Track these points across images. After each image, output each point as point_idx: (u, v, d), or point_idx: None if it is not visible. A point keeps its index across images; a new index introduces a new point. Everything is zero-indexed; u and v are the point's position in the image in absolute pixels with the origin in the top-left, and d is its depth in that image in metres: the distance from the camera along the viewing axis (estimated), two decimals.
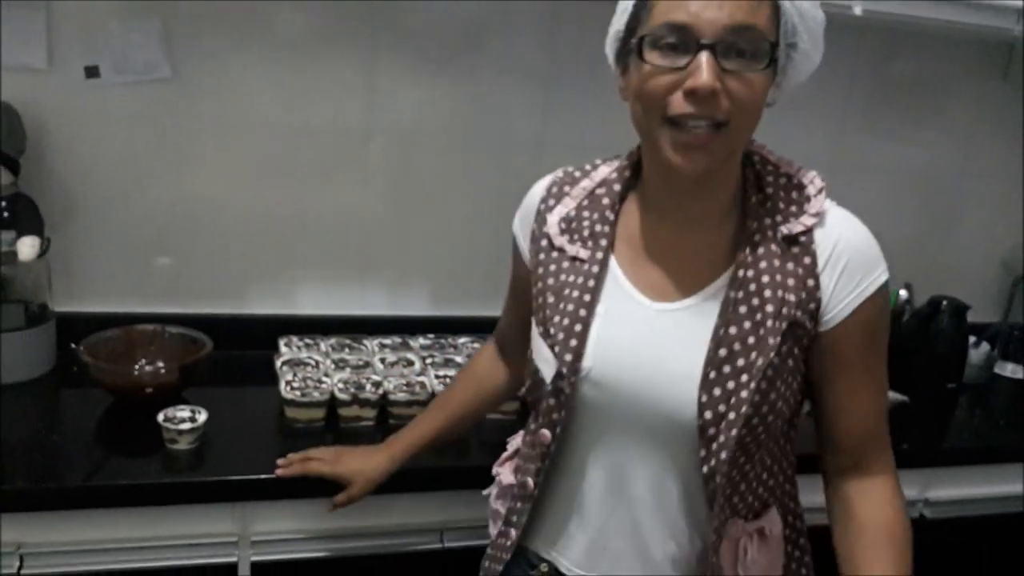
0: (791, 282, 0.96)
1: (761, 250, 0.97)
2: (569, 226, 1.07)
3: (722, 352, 0.95)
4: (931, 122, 2.24)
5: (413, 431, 1.35)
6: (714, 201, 1.00)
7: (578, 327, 1.01)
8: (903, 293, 2.19)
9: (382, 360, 1.70)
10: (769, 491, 1.08)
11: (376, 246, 1.91)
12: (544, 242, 1.09)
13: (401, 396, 1.55)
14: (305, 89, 1.76)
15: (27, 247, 1.54)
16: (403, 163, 1.87)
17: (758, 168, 1.02)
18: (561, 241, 1.07)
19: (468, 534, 1.48)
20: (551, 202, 1.10)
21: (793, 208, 0.99)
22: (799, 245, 0.97)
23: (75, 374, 1.54)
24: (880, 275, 0.98)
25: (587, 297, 1.02)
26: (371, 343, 1.79)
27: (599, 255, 1.04)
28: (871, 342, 1.00)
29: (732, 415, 0.94)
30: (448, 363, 1.72)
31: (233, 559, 1.37)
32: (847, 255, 0.97)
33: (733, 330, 0.95)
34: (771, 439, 1.02)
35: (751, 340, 0.95)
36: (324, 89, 1.77)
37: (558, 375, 1.02)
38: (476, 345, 1.84)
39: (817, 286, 0.96)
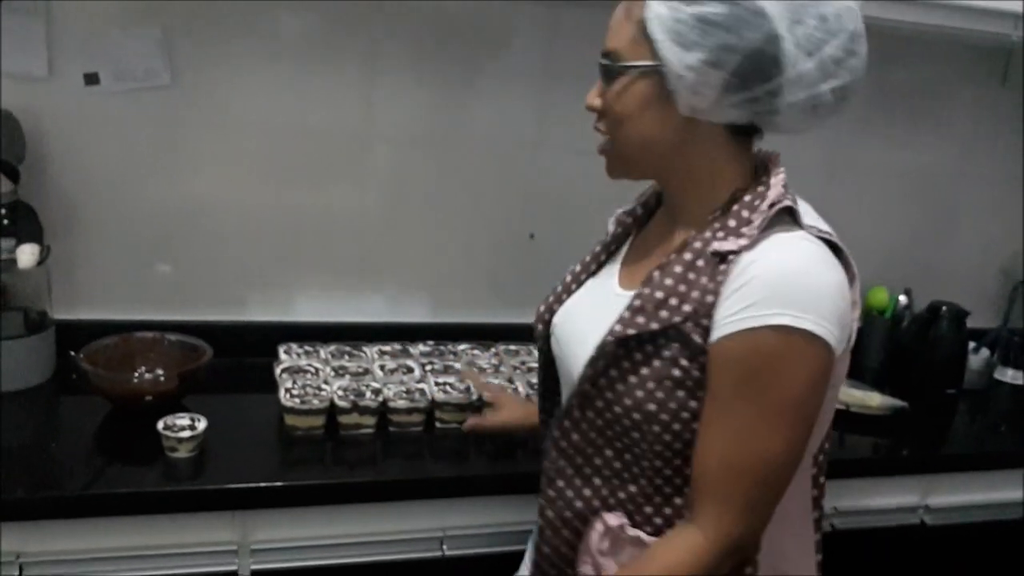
0: (694, 294, 0.96)
1: (685, 256, 1.00)
2: (620, 221, 1.22)
3: (608, 338, 1.01)
4: (929, 127, 2.24)
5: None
6: (676, 208, 1.09)
7: (563, 291, 1.19)
8: (902, 298, 2.20)
9: (382, 367, 1.70)
10: (666, 520, 1.05)
11: (376, 252, 1.91)
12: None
13: (401, 403, 1.55)
14: (304, 96, 1.76)
15: (26, 255, 1.54)
16: (402, 169, 1.87)
17: (749, 195, 1.01)
18: (609, 223, 1.22)
19: (468, 542, 1.48)
20: (629, 204, 1.23)
21: (743, 229, 0.96)
22: (726, 262, 0.95)
23: (74, 382, 1.54)
24: (776, 316, 0.90)
25: (584, 274, 1.19)
26: (371, 350, 1.79)
27: (614, 244, 1.19)
28: (744, 383, 0.93)
29: (589, 371, 1.04)
30: (448, 370, 1.72)
31: (233, 567, 1.37)
32: (749, 277, 0.92)
33: (618, 328, 1.01)
34: (647, 443, 1.00)
35: (628, 317, 1.01)
36: (323, 96, 1.77)
37: (537, 320, 1.20)
38: (476, 352, 1.84)
39: (715, 304, 0.94)
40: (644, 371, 0.99)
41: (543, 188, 1.94)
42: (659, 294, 0.98)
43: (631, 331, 0.99)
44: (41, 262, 1.57)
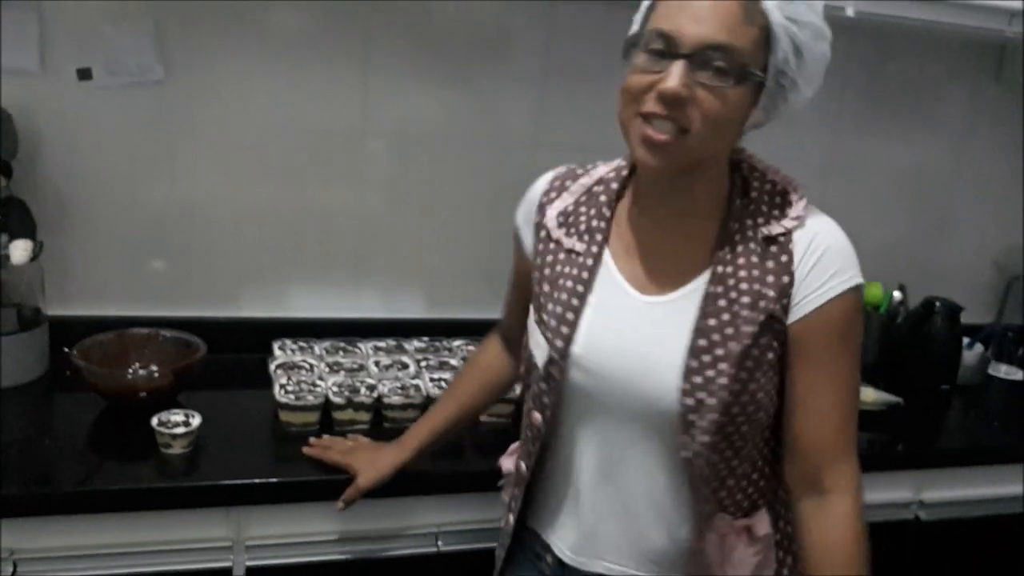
0: (769, 278, 1.00)
1: (740, 248, 1.02)
2: (567, 220, 1.13)
3: (702, 342, 1.00)
4: (924, 124, 2.24)
5: (423, 424, 1.39)
6: (692, 201, 1.05)
7: (570, 315, 1.08)
8: (897, 294, 2.20)
9: (376, 363, 1.70)
10: (759, 492, 1.11)
11: (370, 249, 1.90)
12: (543, 233, 1.15)
13: (396, 399, 1.55)
14: (299, 91, 1.76)
15: (19, 251, 1.54)
16: (398, 165, 1.87)
17: (746, 175, 1.07)
18: (559, 234, 1.13)
19: (463, 538, 1.48)
20: (552, 195, 1.16)
21: (775, 212, 1.04)
22: (777, 244, 1.02)
23: (68, 378, 1.53)
24: (852, 277, 1.01)
25: (580, 288, 1.08)
26: (365, 346, 1.79)
27: (594, 248, 1.09)
28: (837, 344, 1.02)
29: (712, 400, 1.00)
30: (443, 366, 1.72)
31: (227, 564, 1.37)
32: (821, 249, 1.01)
33: (712, 322, 1.00)
34: (756, 434, 1.06)
35: (729, 331, 1.00)
36: (318, 91, 1.77)
37: (550, 360, 1.08)
38: (471, 348, 1.83)
39: (791, 281, 1.00)
40: (750, 364, 1.00)
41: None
42: (753, 286, 1.01)
43: (755, 328, 1.00)
44: (34, 258, 1.57)
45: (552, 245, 1.13)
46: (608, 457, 1.09)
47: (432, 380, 1.62)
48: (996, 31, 1.79)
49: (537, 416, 1.12)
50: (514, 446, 1.32)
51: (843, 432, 1.05)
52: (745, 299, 1.00)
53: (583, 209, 1.13)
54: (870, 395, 1.89)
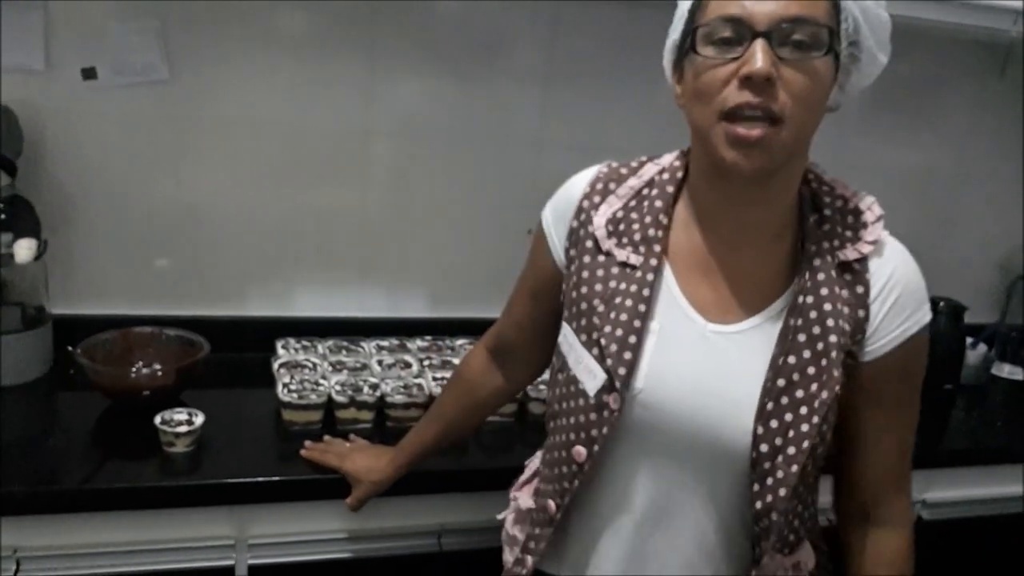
0: (845, 310, 0.94)
1: (821, 276, 0.94)
2: (617, 228, 1.01)
3: (780, 382, 0.91)
4: (928, 123, 2.24)
5: (412, 442, 1.34)
6: (770, 212, 0.95)
7: (632, 339, 0.96)
8: None
9: (380, 362, 1.70)
10: (803, 525, 1.06)
11: (374, 248, 1.90)
12: (589, 243, 1.03)
13: (399, 398, 1.55)
14: (303, 91, 1.76)
15: (24, 249, 1.54)
16: (402, 165, 1.87)
17: (814, 187, 0.99)
18: (609, 244, 1.01)
19: (465, 537, 1.48)
20: (596, 199, 1.04)
21: (849, 233, 0.96)
22: (852, 272, 0.95)
23: (72, 377, 1.53)
24: (925, 315, 0.97)
25: (642, 308, 0.97)
26: (369, 345, 1.79)
27: (652, 262, 0.98)
28: (907, 382, 1.00)
29: (791, 449, 0.91)
30: (446, 365, 1.72)
31: (230, 562, 1.37)
32: (900, 288, 0.95)
33: (792, 359, 0.92)
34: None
35: (811, 371, 0.92)
36: (322, 91, 1.77)
37: (604, 389, 0.97)
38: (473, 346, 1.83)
39: (867, 316, 0.95)
40: (824, 394, 0.93)
41: (542, 183, 1.91)
42: (829, 322, 0.92)
43: (840, 370, 0.93)
44: (38, 257, 1.57)
45: (602, 257, 1.01)
46: (661, 499, 1.00)
47: (435, 379, 1.62)
48: (1001, 31, 1.78)
49: (582, 451, 1.00)
50: (527, 476, 1.24)
51: (902, 467, 1.03)
52: (832, 337, 0.92)
53: (634, 216, 1.01)
54: None
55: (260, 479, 1.35)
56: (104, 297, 1.75)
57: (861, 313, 0.94)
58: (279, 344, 1.74)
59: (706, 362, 0.95)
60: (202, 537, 1.36)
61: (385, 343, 1.81)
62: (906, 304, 0.95)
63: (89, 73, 1.63)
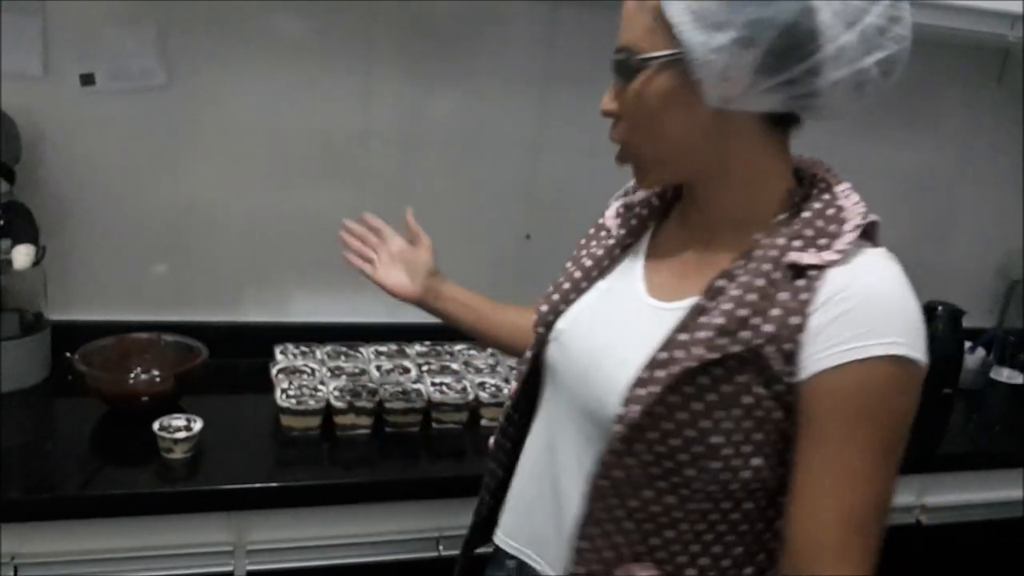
0: (774, 312, 0.84)
1: (754, 266, 0.87)
2: (626, 211, 1.08)
3: (663, 355, 0.87)
4: (926, 127, 2.24)
5: (467, 294, 1.41)
6: (711, 211, 0.96)
7: (568, 286, 1.05)
8: None
9: (378, 368, 1.70)
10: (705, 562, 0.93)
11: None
12: (600, 221, 1.11)
13: (397, 404, 1.55)
14: (300, 95, 1.76)
15: (22, 255, 1.54)
16: (400, 169, 1.87)
17: (812, 191, 0.94)
18: (612, 223, 1.08)
19: None
20: (628, 190, 1.11)
21: (822, 241, 0.86)
22: (806, 278, 0.85)
23: (70, 383, 1.53)
24: (887, 346, 0.80)
25: (595, 271, 1.04)
26: (367, 350, 1.79)
27: (629, 240, 1.05)
28: (849, 423, 0.82)
29: (633, 413, 0.88)
30: (444, 370, 1.72)
31: (229, 568, 1.37)
32: (852, 303, 0.82)
33: (684, 336, 0.87)
34: (723, 496, 0.89)
35: (695, 350, 0.85)
36: (320, 95, 1.77)
37: (536, 323, 1.06)
38: (473, 352, 1.84)
39: (802, 326, 0.83)
40: (712, 398, 0.85)
41: (540, 188, 1.94)
42: (742, 311, 0.85)
43: (716, 355, 0.84)
44: (37, 263, 1.57)
45: (596, 231, 1.10)
46: (550, 444, 1.02)
47: (434, 384, 1.62)
48: (998, 36, 1.78)
49: (514, 385, 1.10)
50: None
51: (842, 537, 0.83)
52: (742, 333, 0.84)
53: (638, 207, 1.07)
54: None
55: (258, 485, 1.35)
56: (102, 303, 1.75)
57: (795, 320, 0.83)
58: (277, 350, 1.74)
59: (625, 327, 0.96)
60: (200, 543, 1.35)
61: (384, 348, 1.81)
62: (859, 321, 0.81)
63: (87, 79, 1.63)
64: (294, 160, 1.79)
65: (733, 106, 0.86)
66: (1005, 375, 2.24)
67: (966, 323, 2.06)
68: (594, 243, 1.08)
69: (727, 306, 0.86)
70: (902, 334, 0.81)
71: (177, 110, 1.70)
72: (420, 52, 1.81)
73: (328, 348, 1.77)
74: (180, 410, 1.45)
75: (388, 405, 1.55)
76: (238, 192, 1.78)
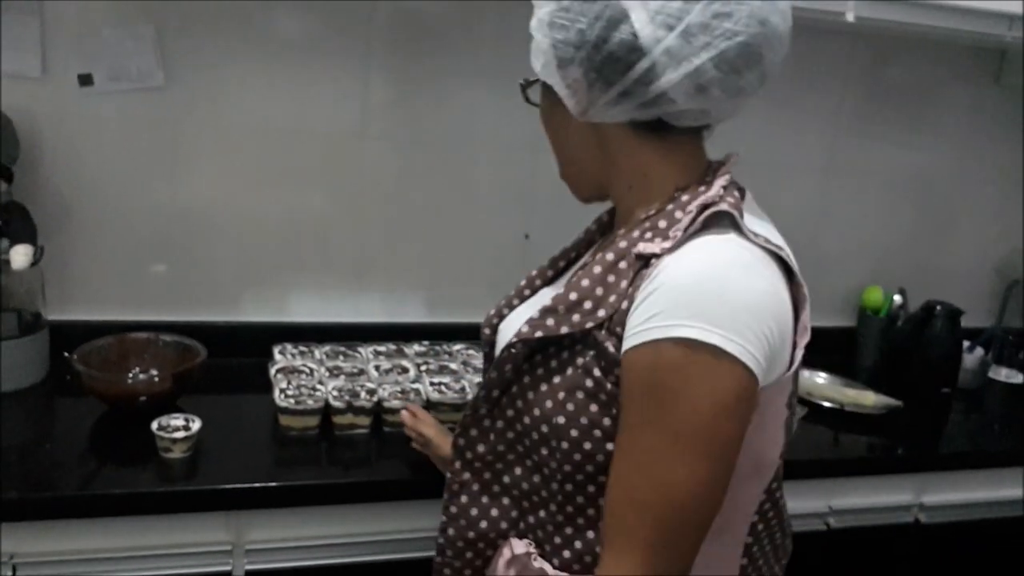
0: (611, 298, 0.87)
1: (607, 256, 0.90)
2: (591, 224, 1.16)
3: (514, 339, 0.95)
4: (924, 127, 2.24)
5: None
6: (619, 215, 1.03)
7: (514, 297, 1.12)
8: (897, 298, 2.20)
9: (377, 367, 1.70)
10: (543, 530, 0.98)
11: (371, 253, 1.90)
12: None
13: (396, 404, 1.55)
14: (299, 96, 1.76)
15: (20, 255, 1.54)
16: (398, 169, 1.87)
17: (693, 186, 0.94)
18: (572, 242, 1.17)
19: None
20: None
21: (671, 231, 0.87)
22: (648, 266, 0.86)
23: (68, 383, 1.53)
24: (679, 328, 0.79)
25: (538, 280, 1.13)
26: (366, 350, 1.79)
27: (573, 252, 1.14)
28: (647, 402, 0.82)
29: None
30: (443, 370, 1.72)
31: (227, 568, 1.37)
32: (658, 284, 0.82)
33: (525, 328, 0.94)
34: (557, 457, 0.92)
35: (523, 328, 0.94)
36: (318, 96, 1.77)
37: (481, 330, 1.13)
38: (471, 352, 1.83)
39: (628, 309, 0.85)
40: (556, 380, 0.90)
41: (539, 188, 1.94)
42: (573, 295, 0.89)
43: (538, 333, 0.91)
44: (35, 263, 1.57)
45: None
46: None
47: (432, 384, 1.62)
48: (996, 36, 1.79)
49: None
50: None
51: (625, 517, 0.84)
52: (574, 316, 0.89)
53: (592, 224, 1.16)
54: (870, 398, 1.89)
55: (257, 484, 1.34)
56: (101, 303, 1.75)
57: (624, 304, 0.85)
58: (276, 349, 1.74)
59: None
60: (199, 543, 1.35)
61: (382, 348, 1.81)
62: (658, 303, 0.81)
63: (85, 79, 1.63)
64: (293, 160, 1.79)
65: (594, 119, 0.91)
66: (1004, 374, 2.25)
67: (965, 323, 2.06)
68: (557, 255, 1.16)
69: (560, 291, 0.92)
70: (697, 318, 0.79)
71: (175, 111, 1.70)
72: (419, 52, 1.81)
73: (327, 348, 1.77)
74: (179, 410, 1.45)
75: (387, 405, 1.55)
76: (236, 192, 1.78)
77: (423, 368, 1.72)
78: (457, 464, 1.03)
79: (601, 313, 0.87)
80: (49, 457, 1.38)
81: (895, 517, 1.78)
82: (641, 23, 0.82)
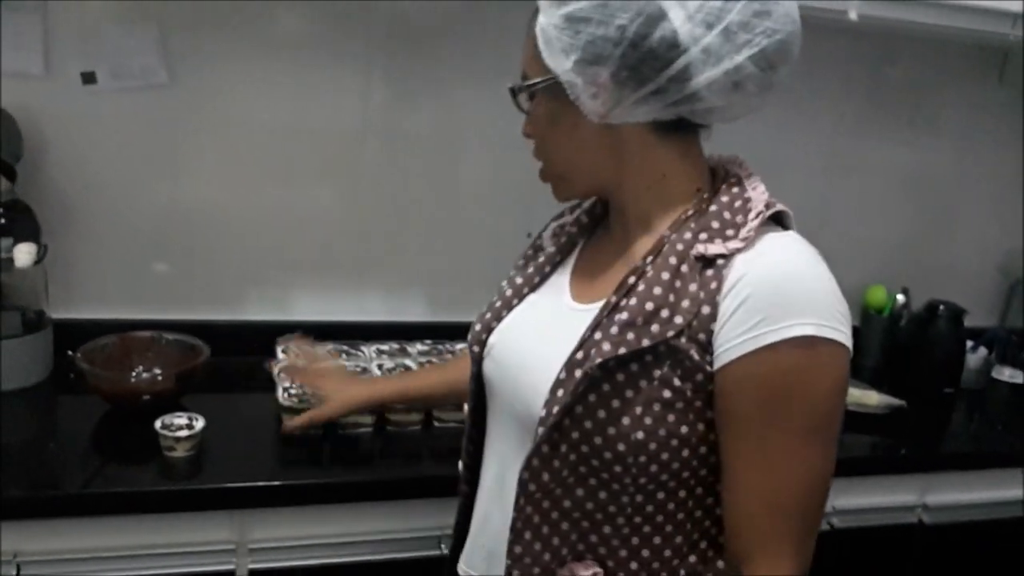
0: (685, 303, 0.85)
1: (670, 260, 0.88)
2: (559, 231, 1.11)
3: (579, 355, 0.88)
4: (927, 126, 2.24)
5: (404, 379, 1.43)
6: (626, 217, 0.98)
7: (502, 307, 1.05)
8: (900, 297, 2.20)
9: (379, 366, 1.70)
10: (639, 553, 0.93)
11: (374, 251, 1.90)
12: (536, 243, 1.14)
13: (397, 404, 1.55)
14: (301, 95, 1.76)
15: (24, 254, 1.54)
16: (401, 168, 1.87)
17: (722, 186, 0.94)
18: (548, 243, 1.11)
19: None
20: (565, 211, 1.14)
21: (729, 231, 0.87)
22: (714, 268, 0.85)
23: (72, 381, 1.53)
24: (791, 327, 0.80)
25: (525, 288, 1.06)
26: (368, 349, 1.79)
27: (558, 258, 1.07)
28: (765, 410, 0.82)
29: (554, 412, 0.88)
30: None
31: (231, 567, 1.36)
32: (750, 288, 0.82)
33: (598, 335, 0.88)
34: (656, 487, 0.89)
35: (606, 347, 0.86)
36: (321, 94, 1.77)
37: (470, 344, 1.07)
38: None
39: (714, 315, 0.83)
40: (629, 394, 0.86)
41: (540, 187, 1.93)
42: (649, 305, 0.86)
43: (623, 350, 0.85)
44: (38, 261, 1.57)
45: (533, 251, 1.13)
46: (502, 460, 1.02)
47: None
48: (999, 35, 1.78)
49: (466, 407, 1.11)
50: None
51: (769, 524, 0.85)
52: (653, 327, 0.85)
53: (569, 226, 1.10)
54: (873, 398, 1.89)
55: (260, 483, 1.35)
56: (104, 301, 1.75)
57: (706, 309, 0.84)
58: (279, 348, 1.74)
59: (549, 332, 0.96)
60: (203, 542, 1.35)
61: (385, 347, 1.81)
62: (756, 309, 0.81)
63: (89, 77, 1.63)
64: (296, 158, 1.79)
65: (614, 120, 0.89)
66: (1007, 374, 2.24)
67: (967, 322, 2.06)
68: (529, 260, 1.11)
69: (633, 301, 0.87)
70: (807, 314, 0.80)
71: (178, 109, 1.70)
72: (420, 52, 1.81)
73: (329, 347, 1.77)
74: (182, 409, 1.45)
75: (389, 403, 1.55)
76: (239, 190, 1.78)
77: (425, 367, 1.72)
78: (521, 500, 0.93)
79: (679, 320, 0.85)
80: (52, 456, 1.39)
81: (898, 517, 1.78)
82: (680, 21, 0.82)
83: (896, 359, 2.12)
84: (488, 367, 1.04)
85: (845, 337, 0.83)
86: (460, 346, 1.85)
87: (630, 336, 0.85)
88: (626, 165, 0.94)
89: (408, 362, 1.73)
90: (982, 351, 2.16)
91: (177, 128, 1.71)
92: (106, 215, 1.72)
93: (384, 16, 1.77)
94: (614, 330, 0.86)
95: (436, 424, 1.59)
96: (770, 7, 0.83)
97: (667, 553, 0.92)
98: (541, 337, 0.98)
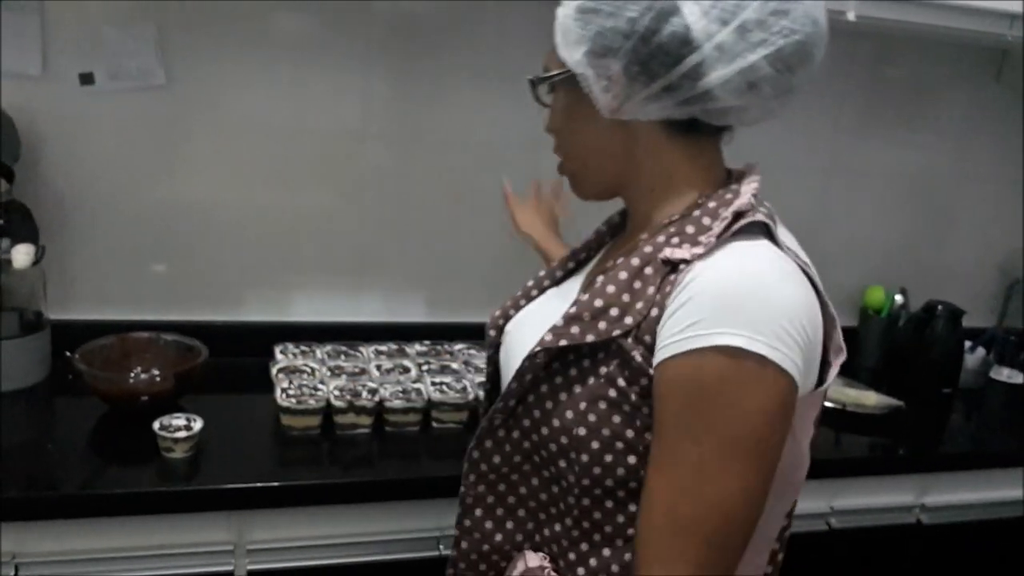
0: (638, 305, 0.84)
1: (632, 261, 0.87)
2: (601, 225, 1.13)
3: (537, 348, 0.90)
4: (925, 126, 2.25)
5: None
6: (635, 218, 0.98)
7: (520, 297, 1.09)
8: (899, 298, 2.20)
9: (378, 367, 1.70)
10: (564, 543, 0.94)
11: (372, 252, 1.90)
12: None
13: (397, 403, 1.55)
14: (300, 96, 1.76)
15: (22, 255, 1.54)
16: (399, 169, 1.87)
17: (718, 191, 0.92)
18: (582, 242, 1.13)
19: None
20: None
21: (701, 237, 0.85)
22: (677, 272, 0.83)
23: (70, 382, 1.53)
24: (721, 335, 0.76)
25: (546, 281, 1.10)
26: (367, 350, 1.79)
27: (583, 254, 1.10)
28: (688, 417, 0.79)
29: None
30: (444, 370, 1.72)
31: (229, 568, 1.36)
32: (694, 292, 0.79)
33: (549, 337, 0.89)
34: (584, 474, 0.88)
35: (547, 337, 0.89)
36: (318, 96, 1.77)
37: (487, 329, 1.10)
38: (472, 351, 1.83)
39: (659, 317, 0.82)
40: (577, 389, 0.86)
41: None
42: (598, 302, 0.86)
43: (563, 342, 0.86)
44: (36, 262, 1.57)
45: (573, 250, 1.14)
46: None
47: (434, 384, 1.62)
48: (997, 35, 1.79)
49: (481, 393, 1.15)
50: None
51: (664, 538, 0.80)
52: (600, 323, 0.85)
53: (603, 224, 1.12)
54: (871, 398, 1.89)
55: (259, 484, 1.34)
56: (102, 302, 1.75)
57: (655, 312, 0.82)
58: (277, 349, 1.73)
59: (547, 325, 0.94)
60: (201, 543, 1.35)
61: (383, 348, 1.81)
62: (697, 311, 0.78)
63: (86, 78, 1.63)
64: (294, 159, 1.79)
65: (625, 116, 0.88)
66: (1005, 375, 2.24)
67: (966, 323, 2.07)
68: (556, 265, 1.13)
69: (585, 297, 0.88)
70: (740, 326, 0.76)
71: (176, 109, 1.70)
72: (419, 52, 1.81)
73: (328, 347, 1.77)
74: (180, 409, 1.45)
75: (388, 404, 1.55)
76: (238, 191, 1.78)
77: (424, 368, 1.72)
78: (471, 477, 0.99)
79: (628, 320, 0.84)
80: (51, 457, 1.38)
81: (897, 517, 1.78)
82: (694, 17, 0.80)
83: (894, 359, 2.12)
84: (501, 354, 1.07)
85: (783, 358, 0.77)
86: (459, 346, 1.85)
87: (574, 330, 0.87)
88: (636, 164, 0.92)
89: (407, 363, 1.73)
90: (980, 351, 2.17)
91: (175, 129, 1.71)
92: (104, 216, 1.72)
93: (384, 16, 1.77)
94: (559, 322, 0.88)
95: (435, 425, 1.59)
96: (788, 7, 0.81)
97: (615, 568, 0.90)
98: (541, 329, 0.95)
